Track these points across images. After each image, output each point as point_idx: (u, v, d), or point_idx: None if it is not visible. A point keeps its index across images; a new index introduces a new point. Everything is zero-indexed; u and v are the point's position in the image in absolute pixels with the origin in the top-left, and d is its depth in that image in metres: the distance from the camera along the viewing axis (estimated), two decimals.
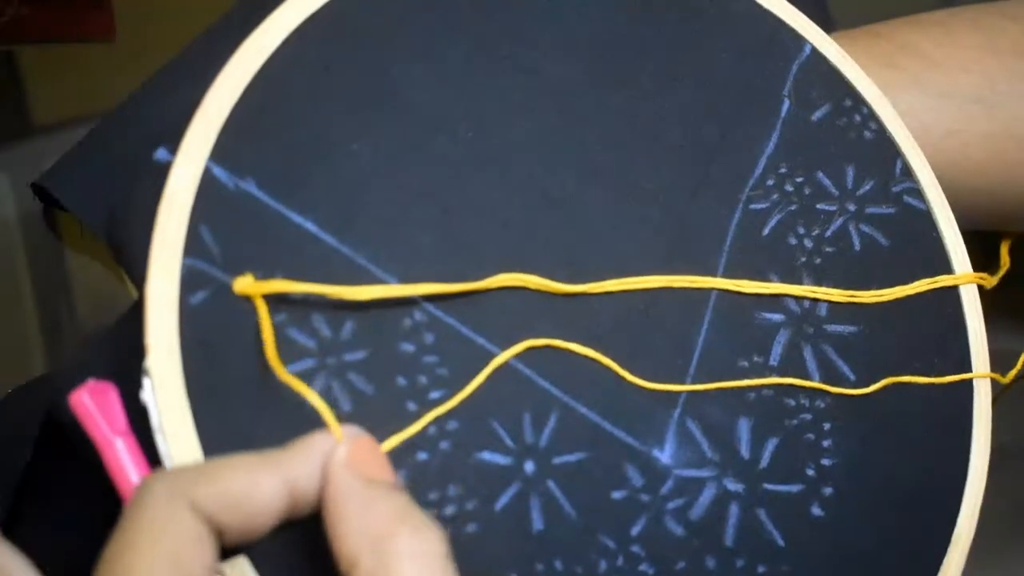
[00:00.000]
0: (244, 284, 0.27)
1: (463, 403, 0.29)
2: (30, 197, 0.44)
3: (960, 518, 0.34)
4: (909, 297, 0.34)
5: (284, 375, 0.27)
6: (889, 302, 0.34)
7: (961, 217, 0.36)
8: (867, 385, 0.33)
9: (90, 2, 0.47)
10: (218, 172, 0.28)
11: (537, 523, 0.29)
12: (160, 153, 0.28)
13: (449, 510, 0.28)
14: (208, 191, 0.28)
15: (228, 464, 0.24)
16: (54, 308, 0.44)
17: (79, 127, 0.45)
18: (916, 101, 0.38)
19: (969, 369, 0.35)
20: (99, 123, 0.43)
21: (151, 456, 0.26)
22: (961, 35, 0.39)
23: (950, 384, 0.34)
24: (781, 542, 0.31)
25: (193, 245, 0.27)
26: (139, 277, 0.27)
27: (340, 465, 0.25)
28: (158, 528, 0.23)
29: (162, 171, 0.28)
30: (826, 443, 0.33)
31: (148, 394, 0.26)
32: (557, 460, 0.30)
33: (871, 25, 0.40)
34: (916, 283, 0.34)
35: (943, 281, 0.35)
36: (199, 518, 0.23)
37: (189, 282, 0.27)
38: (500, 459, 0.29)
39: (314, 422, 0.27)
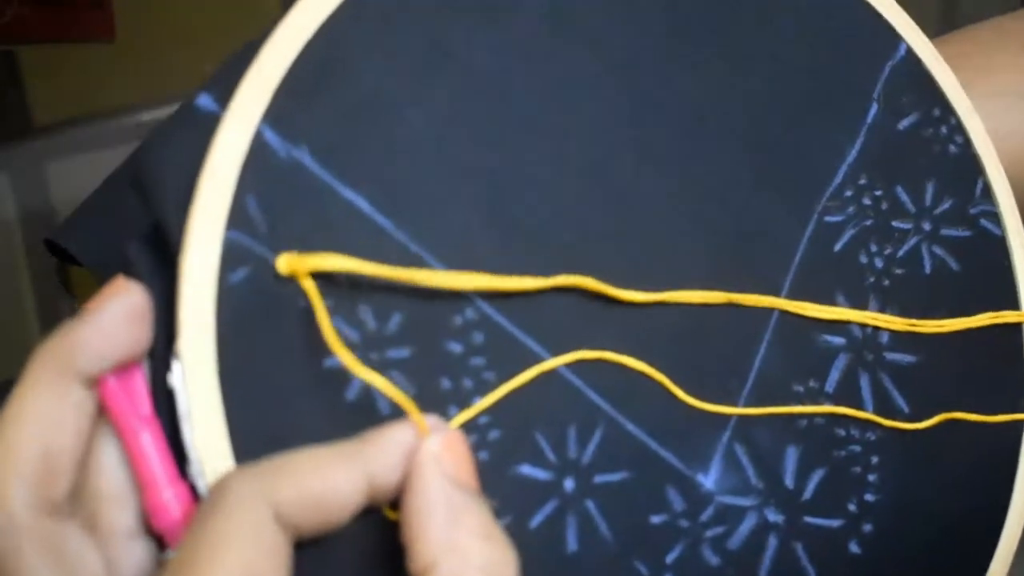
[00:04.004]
0: (290, 260, 0.25)
1: (507, 411, 0.27)
2: (30, 197, 0.43)
3: (993, 562, 0.33)
4: (971, 329, 0.33)
5: (354, 364, 0.24)
6: (951, 332, 0.33)
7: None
8: (919, 419, 0.32)
9: (90, 2, 0.47)
10: (270, 136, 0.25)
11: (572, 544, 0.27)
12: (203, 99, 0.25)
13: None
14: (258, 157, 0.25)
15: (306, 460, 0.23)
16: (54, 308, 0.43)
17: (79, 127, 0.45)
18: (975, 106, 0.38)
19: (1022, 409, 0.34)
20: (112, 173, 0.42)
21: (173, 442, 0.25)
22: (993, 42, 0.39)
23: (1002, 424, 0.33)
24: None
25: (237, 216, 0.24)
26: (173, 246, 0.25)
27: (431, 459, 0.24)
28: (241, 539, 0.21)
29: (202, 122, 0.25)
30: (871, 477, 0.31)
31: (177, 378, 0.24)
32: (599, 479, 0.28)
33: None
34: (978, 317, 0.33)
35: (1006, 317, 0.33)
36: (282, 528, 0.22)
37: (230, 258, 0.24)
38: (540, 474, 0.27)
39: (357, 418, 0.25)
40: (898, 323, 0.32)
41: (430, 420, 0.25)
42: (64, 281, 0.44)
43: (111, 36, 0.47)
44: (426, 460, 0.23)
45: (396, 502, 0.24)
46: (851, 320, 0.31)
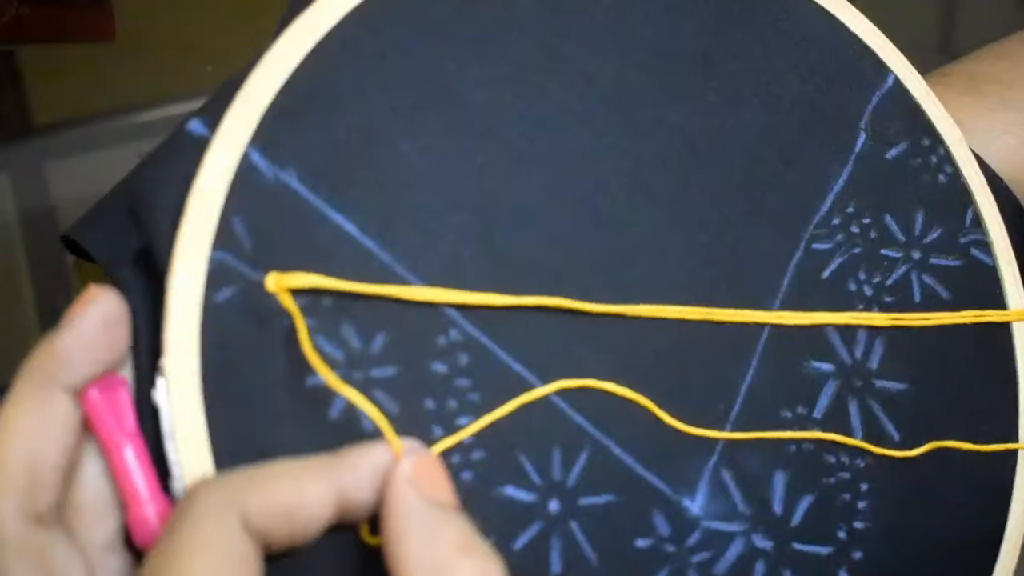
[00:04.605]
0: (276, 281, 0.25)
1: (491, 433, 0.27)
2: (30, 197, 0.43)
3: None
4: (961, 357, 0.33)
5: (333, 380, 0.25)
6: (941, 360, 0.33)
7: None
8: (910, 447, 0.32)
9: (90, 2, 0.47)
10: (257, 159, 0.26)
11: (555, 567, 0.27)
12: (194, 125, 0.26)
13: None
14: (245, 179, 0.25)
15: (277, 472, 0.23)
16: (54, 308, 0.44)
17: (79, 127, 0.45)
18: (1011, 119, 0.38)
19: (1016, 437, 0.33)
20: (130, 172, 0.42)
21: (156, 457, 0.25)
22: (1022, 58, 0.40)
23: (993, 454, 0.33)
24: None
25: (223, 237, 0.25)
26: (162, 265, 0.25)
27: (405, 482, 0.24)
28: (209, 548, 0.21)
29: (193, 146, 0.26)
30: (861, 505, 0.31)
31: (161, 395, 0.24)
32: (583, 501, 0.28)
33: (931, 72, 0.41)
34: (963, 313, 0.33)
35: (989, 316, 0.33)
36: (250, 536, 0.22)
37: (216, 278, 0.25)
38: (524, 495, 0.27)
39: (339, 437, 0.25)
40: (880, 319, 0.32)
41: (406, 442, 0.25)
42: (78, 277, 0.44)
43: (111, 36, 0.47)
44: (400, 483, 0.24)
45: (375, 525, 0.24)
46: (833, 323, 0.31)
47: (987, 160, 0.37)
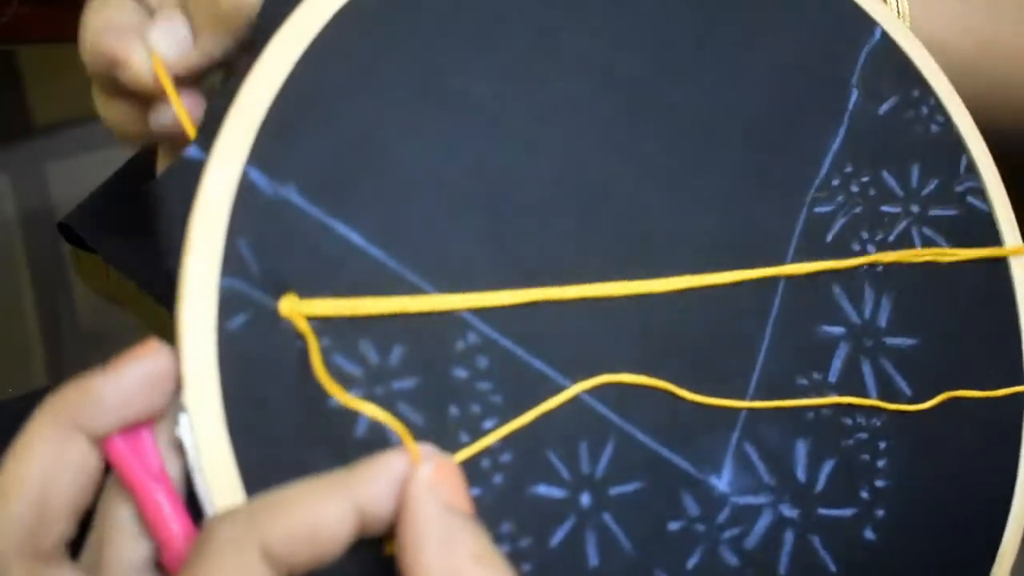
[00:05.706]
0: (287, 304, 0.25)
1: (517, 433, 0.27)
2: (30, 197, 0.43)
3: (1005, 536, 0.33)
4: (965, 307, 0.33)
5: (347, 399, 0.25)
6: (946, 312, 0.33)
7: None
8: (922, 400, 0.32)
9: None
10: (256, 177, 0.25)
11: (592, 559, 0.28)
12: (192, 151, 0.26)
13: (503, 549, 0.26)
14: (246, 199, 0.25)
15: (293, 496, 0.23)
16: (54, 308, 0.43)
17: (79, 127, 0.45)
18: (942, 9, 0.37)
19: (1021, 380, 0.34)
20: (127, 161, 0.42)
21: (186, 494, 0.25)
22: None
23: (1002, 399, 0.33)
24: (833, 568, 0.30)
25: (231, 262, 0.25)
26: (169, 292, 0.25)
27: (423, 488, 0.23)
28: None
29: (194, 170, 0.25)
30: (880, 463, 0.32)
31: (185, 431, 0.24)
32: (614, 491, 0.28)
33: None
34: (961, 250, 0.33)
35: (986, 253, 0.34)
36: (272, 567, 0.22)
37: (227, 305, 0.24)
38: (556, 492, 0.27)
39: (367, 453, 0.25)
40: (898, 255, 0.32)
41: (423, 448, 0.25)
42: (78, 274, 0.44)
43: None
44: (419, 489, 0.23)
45: (394, 535, 0.24)
46: (841, 267, 0.32)
47: (927, 21, 0.36)
